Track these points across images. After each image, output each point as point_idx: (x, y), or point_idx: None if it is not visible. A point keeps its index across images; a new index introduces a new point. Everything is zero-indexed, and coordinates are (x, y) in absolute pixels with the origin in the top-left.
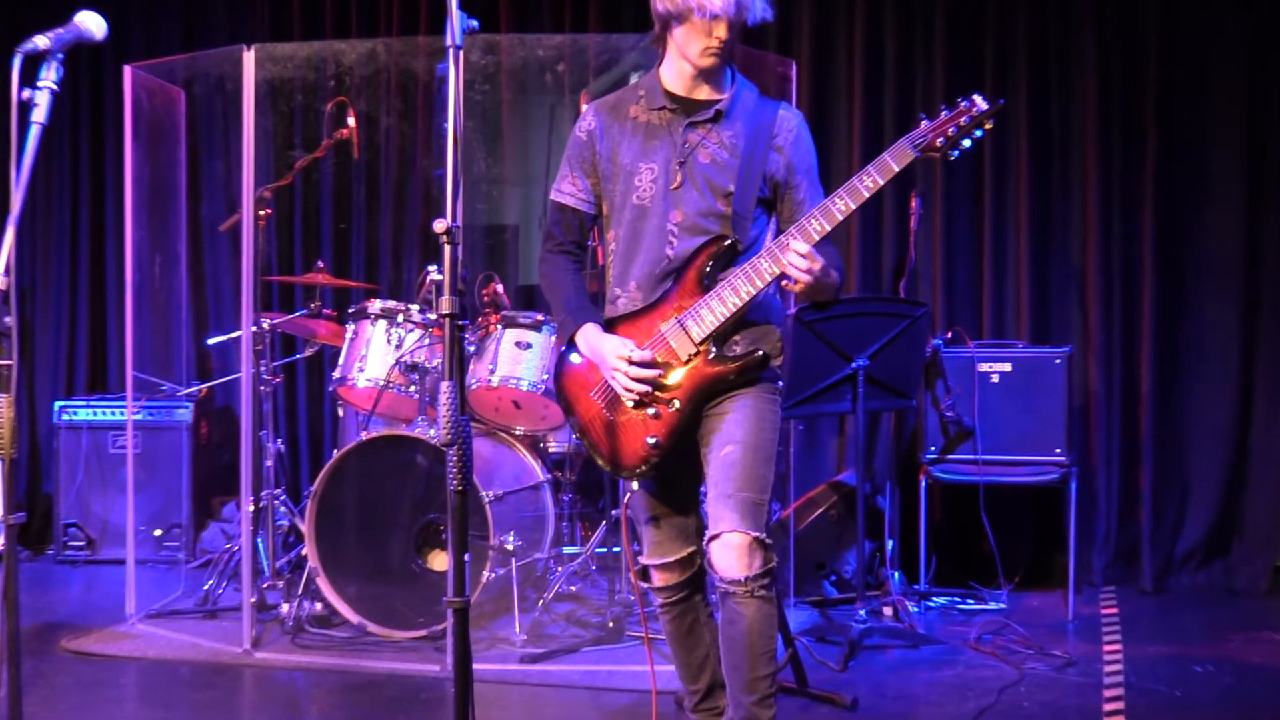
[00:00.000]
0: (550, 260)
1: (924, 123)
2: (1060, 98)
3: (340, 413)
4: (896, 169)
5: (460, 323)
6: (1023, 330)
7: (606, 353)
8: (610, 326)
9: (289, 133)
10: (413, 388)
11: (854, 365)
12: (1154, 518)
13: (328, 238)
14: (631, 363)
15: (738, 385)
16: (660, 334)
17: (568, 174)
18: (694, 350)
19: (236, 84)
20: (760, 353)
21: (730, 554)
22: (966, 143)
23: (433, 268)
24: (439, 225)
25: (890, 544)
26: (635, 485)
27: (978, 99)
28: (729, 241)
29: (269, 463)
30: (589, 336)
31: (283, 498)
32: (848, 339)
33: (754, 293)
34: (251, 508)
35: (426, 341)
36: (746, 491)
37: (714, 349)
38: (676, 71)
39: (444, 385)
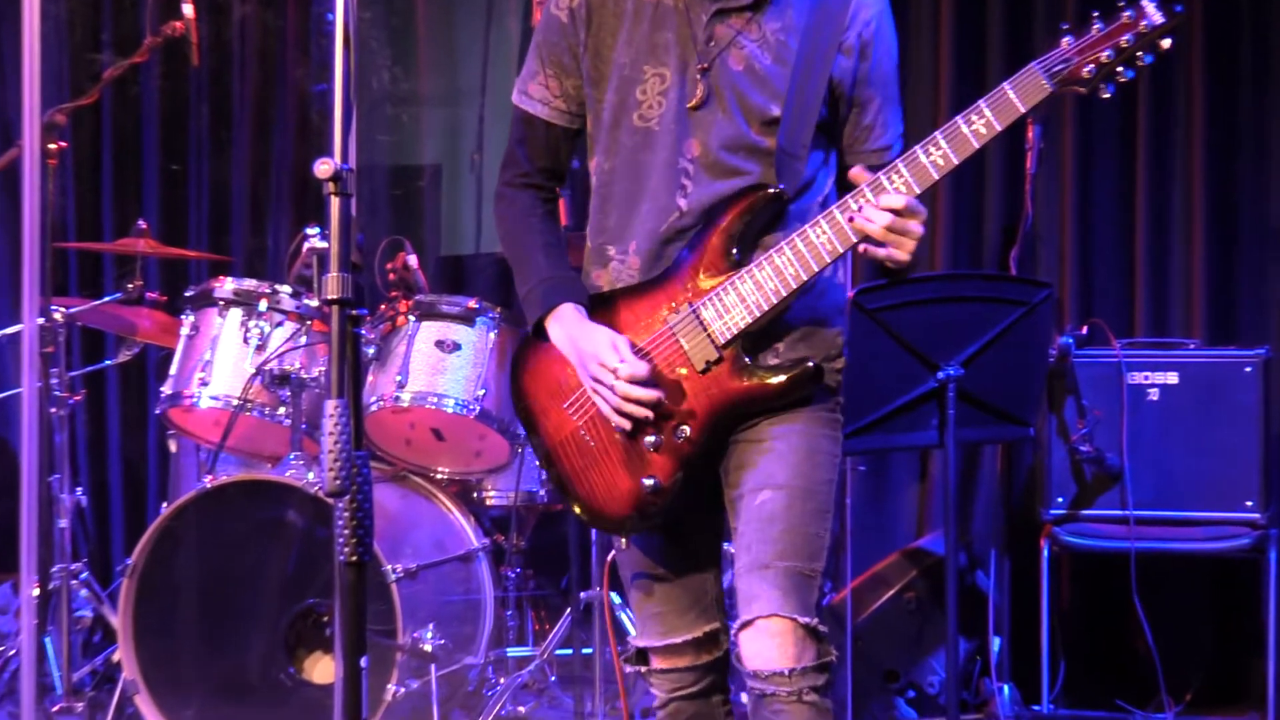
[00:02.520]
0: (509, 199)
1: (1066, 41)
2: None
3: (173, 447)
4: (1023, 108)
5: (355, 312)
6: (1196, 325)
7: (589, 352)
8: (596, 308)
9: (94, 27)
10: (282, 409)
11: (941, 376)
12: None
13: (152, 185)
14: (622, 376)
15: (778, 407)
16: (667, 328)
17: (537, 71)
18: (715, 356)
19: None
20: (810, 364)
21: (768, 644)
22: (1127, 72)
23: (312, 231)
24: (323, 168)
25: (997, 643)
26: (624, 542)
27: (1148, 6)
28: (772, 192)
29: (63, 523)
30: (566, 323)
31: (85, 575)
32: (931, 336)
33: (806, 276)
34: (37, 591)
35: (303, 341)
36: (791, 559)
37: (744, 355)
38: None
39: (329, 406)
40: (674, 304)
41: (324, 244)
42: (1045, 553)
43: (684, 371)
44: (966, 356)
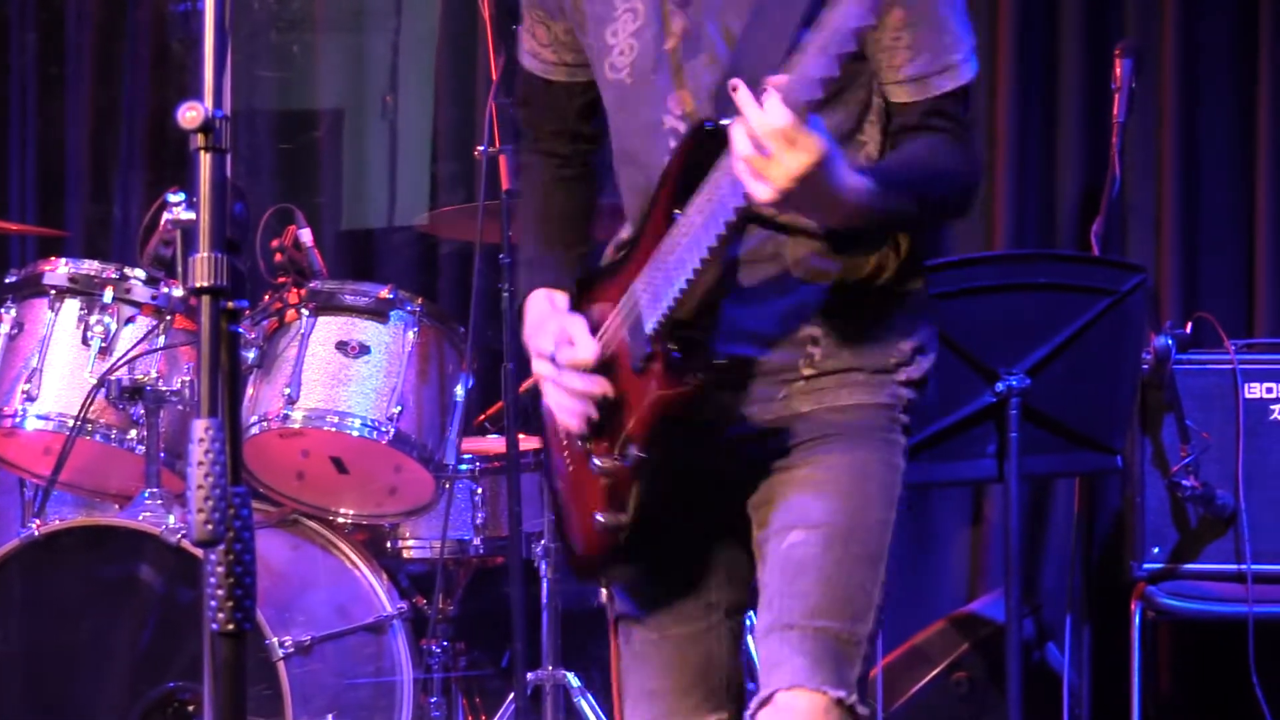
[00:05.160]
0: (526, 168)
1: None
2: None
3: None
4: None
5: (231, 305)
6: None
7: (535, 340)
8: (583, 290)
9: None
10: (133, 433)
11: (1001, 388)
12: None
13: None
14: (561, 360)
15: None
16: (618, 318)
17: (527, 15)
18: (647, 350)
19: None
20: (719, 362)
21: None
22: None
23: (175, 198)
24: (189, 115)
25: None
26: (603, 594)
27: None
28: (709, 127)
29: None
30: (531, 310)
31: None
32: (988, 336)
33: (715, 241)
34: None
35: (161, 342)
36: (825, 618)
37: (674, 351)
38: None
39: (198, 427)
40: (626, 285)
41: (190, 215)
42: (1137, 619)
43: (627, 374)
44: (1034, 363)
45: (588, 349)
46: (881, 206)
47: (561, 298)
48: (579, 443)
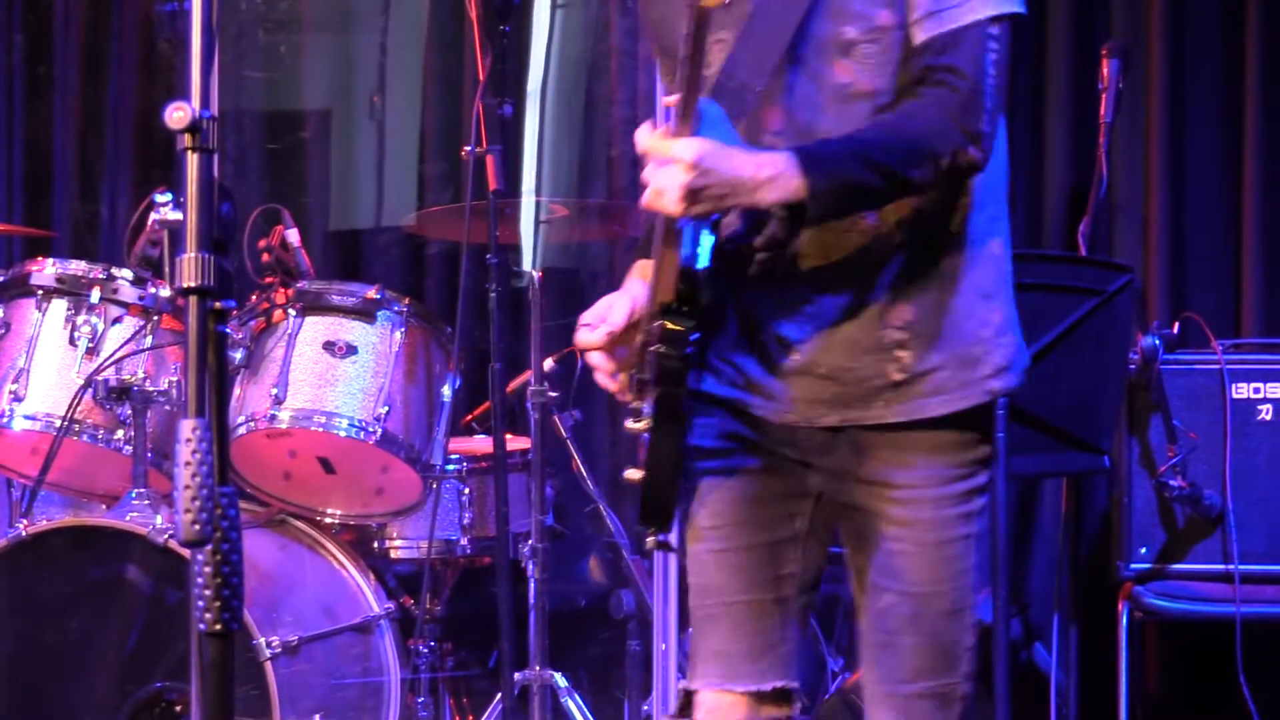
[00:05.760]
0: None
1: None
2: None
3: None
4: None
5: (218, 305)
6: None
7: (597, 307)
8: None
9: None
10: (120, 433)
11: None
12: None
13: None
14: (578, 336)
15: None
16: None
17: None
18: (655, 321)
19: None
20: (676, 327)
21: None
22: None
23: (162, 198)
24: (176, 116)
25: None
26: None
27: None
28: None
29: None
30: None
31: None
32: None
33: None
34: None
35: (148, 342)
36: (924, 680)
37: (679, 320)
38: None
39: (185, 427)
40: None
41: (177, 215)
42: (1124, 620)
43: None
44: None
45: (603, 329)
46: (824, 177)
47: (647, 265)
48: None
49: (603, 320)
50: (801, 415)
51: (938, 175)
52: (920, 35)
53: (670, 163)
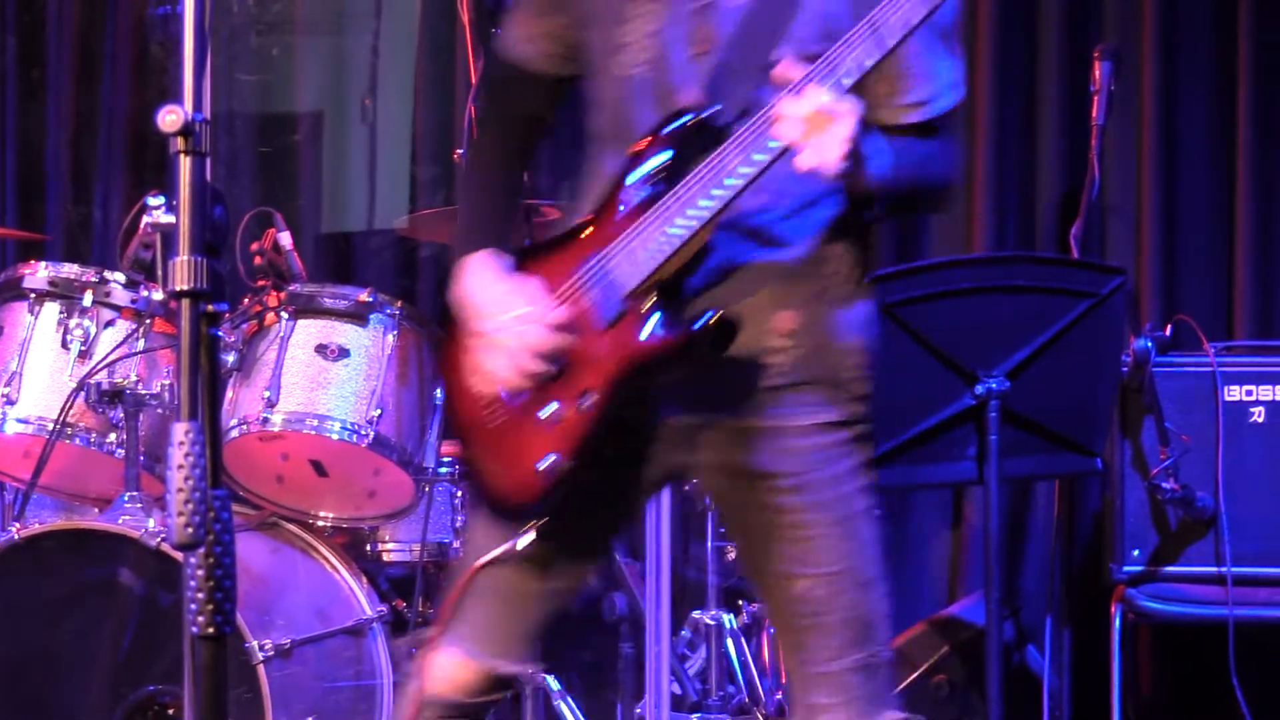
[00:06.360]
0: (482, 145)
1: None
2: None
3: None
4: None
5: (211, 308)
6: None
7: (487, 300)
8: (521, 261)
9: None
10: (113, 436)
11: (981, 390)
12: None
13: None
14: (529, 320)
15: (733, 391)
16: (576, 280)
17: (522, 11)
18: (620, 309)
19: None
20: (714, 314)
21: None
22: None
23: (154, 201)
24: (168, 119)
25: None
26: (522, 541)
27: None
28: (702, 115)
29: None
30: (475, 270)
31: None
32: (968, 339)
33: (715, 207)
34: None
35: (141, 345)
36: (850, 654)
37: (655, 310)
38: None
39: (178, 431)
40: (588, 252)
41: (169, 218)
42: (1117, 622)
43: (591, 330)
44: (1013, 365)
45: (553, 311)
46: (895, 171)
47: (507, 261)
48: (517, 398)
49: (534, 301)
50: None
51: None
52: (905, 118)
53: (844, 118)
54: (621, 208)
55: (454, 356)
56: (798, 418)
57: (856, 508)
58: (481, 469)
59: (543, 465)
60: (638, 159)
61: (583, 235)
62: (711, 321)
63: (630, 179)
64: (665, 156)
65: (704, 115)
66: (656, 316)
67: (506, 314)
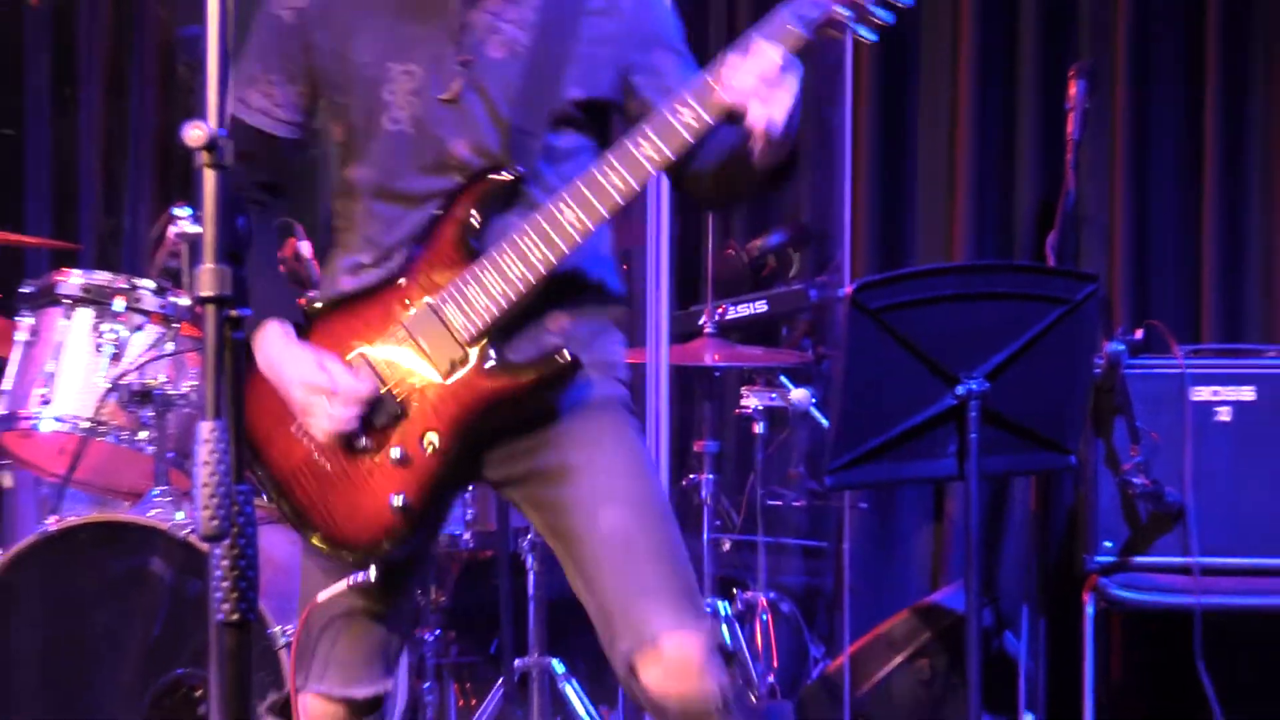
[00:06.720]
0: (250, 219)
1: None
2: None
3: (7, 481)
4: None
5: (235, 313)
6: (1278, 330)
7: (293, 378)
8: (319, 317)
9: None
10: (143, 434)
11: (961, 391)
12: None
13: None
14: (339, 397)
15: (554, 409)
16: (403, 329)
17: (259, 75)
18: (459, 355)
19: None
20: (563, 354)
21: (685, 668)
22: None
23: (181, 212)
24: (194, 134)
25: None
26: (372, 573)
27: None
28: (508, 177)
29: None
30: (269, 345)
31: None
32: (949, 343)
33: (556, 256)
34: None
35: (170, 348)
36: (674, 569)
37: (493, 352)
38: None
39: (204, 429)
40: (408, 302)
41: (195, 228)
42: (1090, 610)
43: (427, 375)
44: (992, 367)
45: (363, 385)
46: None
47: (291, 330)
48: (350, 446)
49: (332, 379)
50: None
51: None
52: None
53: (791, 76)
54: (413, 262)
55: (260, 415)
56: (587, 393)
57: (642, 450)
58: (312, 512)
59: (396, 502)
60: (450, 216)
61: (391, 288)
62: (563, 359)
63: (447, 232)
64: (474, 211)
65: (506, 173)
66: (499, 358)
67: (316, 387)
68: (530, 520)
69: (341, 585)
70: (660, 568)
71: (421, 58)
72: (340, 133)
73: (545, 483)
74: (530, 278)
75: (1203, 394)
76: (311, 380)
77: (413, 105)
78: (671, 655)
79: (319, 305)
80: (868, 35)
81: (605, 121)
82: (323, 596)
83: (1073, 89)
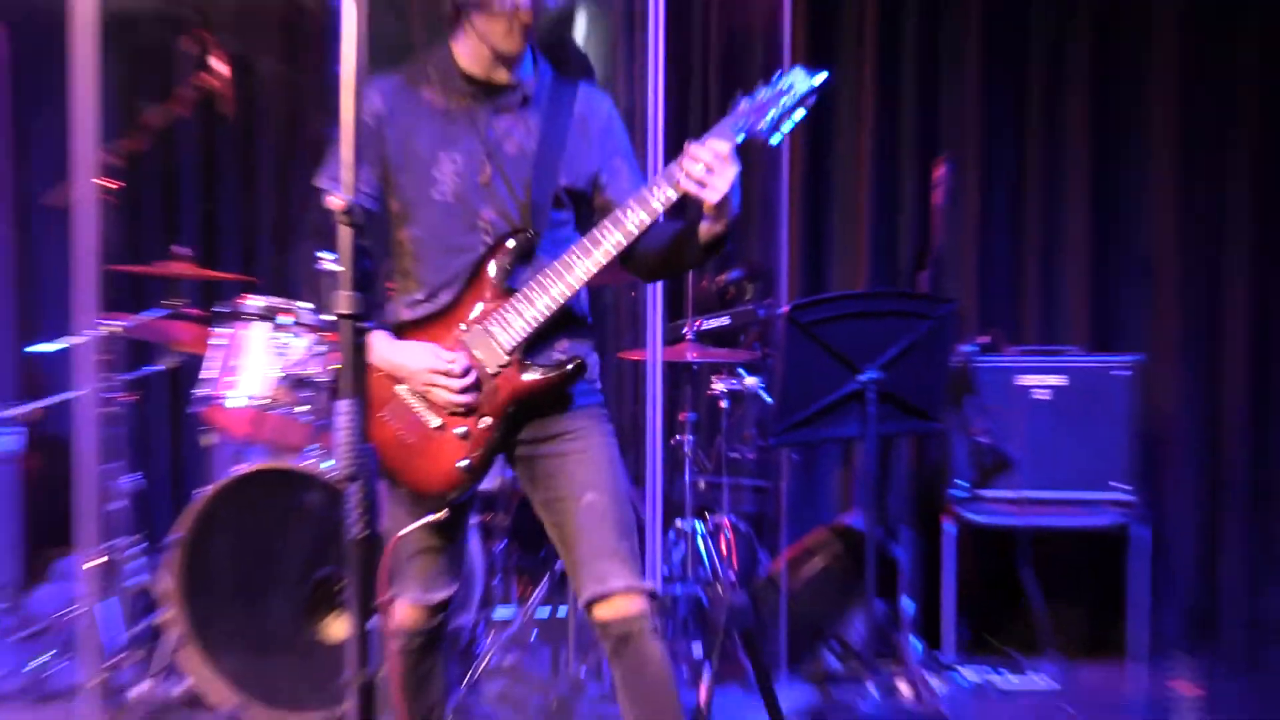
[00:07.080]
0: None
1: (744, 103)
2: (1133, 43)
3: (211, 441)
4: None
5: (363, 325)
6: (1079, 335)
7: (415, 366)
8: (400, 333)
9: (145, 80)
10: (303, 408)
11: (862, 379)
12: (1245, 572)
13: (190, 216)
14: (455, 375)
15: (561, 404)
16: (461, 343)
17: (353, 172)
18: (504, 361)
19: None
20: (577, 361)
21: (630, 607)
22: (787, 126)
23: (328, 255)
24: (334, 201)
25: (908, 604)
26: (446, 512)
27: (798, 74)
28: (529, 234)
29: (118, 504)
30: (380, 346)
31: (135, 549)
32: (855, 345)
33: (572, 289)
34: (95, 562)
35: (320, 350)
36: (629, 541)
37: (525, 358)
38: (474, 54)
39: (341, 405)
40: (464, 323)
41: (337, 267)
42: (950, 529)
43: (480, 374)
44: (885, 362)
45: (464, 362)
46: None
47: (389, 335)
48: (435, 420)
49: (445, 361)
50: None
51: None
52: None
53: (732, 164)
54: (462, 295)
55: (371, 399)
56: (556, 374)
57: (618, 457)
58: (401, 472)
59: (461, 464)
60: (488, 262)
61: (449, 314)
62: (572, 365)
63: (488, 274)
64: (505, 263)
65: (528, 235)
66: (529, 364)
67: (432, 371)
68: (526, 491)
69: (420, 522)
70: (621, 541)
71: (461, 151)
72: (397, 205)
73: (546, 464)
74: (554, 305)
75: (1028, 380)
76: (434, 365)
77: (455, 183)
78: (619, 602)
79: (403, 323)
80: (775, 141)
81: (579, 205)
82: (404, 531)
83: (939, 172)
